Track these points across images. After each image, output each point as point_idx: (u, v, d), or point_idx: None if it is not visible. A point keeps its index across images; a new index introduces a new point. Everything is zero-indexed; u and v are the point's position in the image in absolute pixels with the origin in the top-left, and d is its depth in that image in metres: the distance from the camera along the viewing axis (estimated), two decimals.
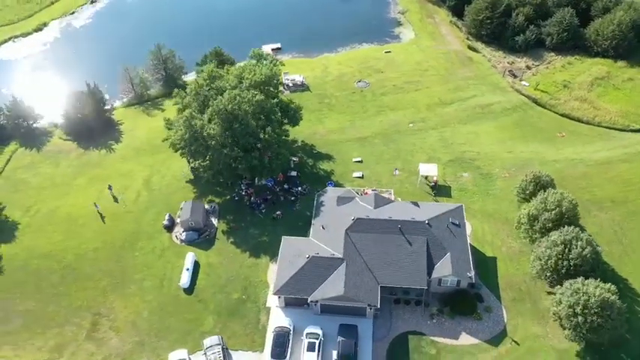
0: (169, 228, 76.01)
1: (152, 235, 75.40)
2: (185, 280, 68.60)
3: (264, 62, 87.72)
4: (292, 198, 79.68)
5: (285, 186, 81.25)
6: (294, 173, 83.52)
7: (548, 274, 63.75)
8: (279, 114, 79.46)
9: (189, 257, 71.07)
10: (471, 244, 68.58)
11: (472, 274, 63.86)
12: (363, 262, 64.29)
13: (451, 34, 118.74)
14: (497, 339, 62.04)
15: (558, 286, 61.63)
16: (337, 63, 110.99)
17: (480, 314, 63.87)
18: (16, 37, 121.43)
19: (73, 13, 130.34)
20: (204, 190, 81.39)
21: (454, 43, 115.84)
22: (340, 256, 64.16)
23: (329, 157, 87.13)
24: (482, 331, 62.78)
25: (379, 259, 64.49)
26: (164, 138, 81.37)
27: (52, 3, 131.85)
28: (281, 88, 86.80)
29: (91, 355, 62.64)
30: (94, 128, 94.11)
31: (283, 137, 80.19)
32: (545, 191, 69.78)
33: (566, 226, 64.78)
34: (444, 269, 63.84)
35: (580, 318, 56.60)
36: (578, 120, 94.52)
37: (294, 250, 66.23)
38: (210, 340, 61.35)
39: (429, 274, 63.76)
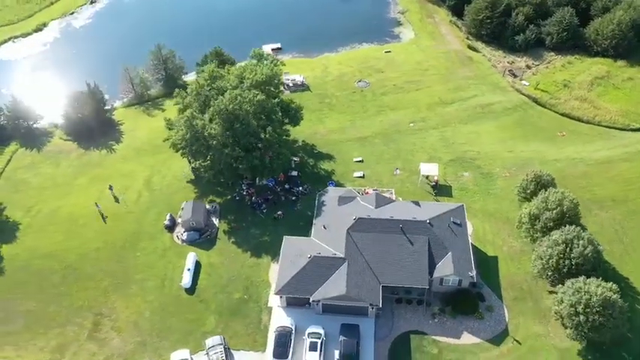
0: (170, 228, 76.02)
1: (153, 236, 75.41)
2: (186, 280, 68.63)
3: (265, 62, 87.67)
4: (293, 198, 79.73)
5: (286, 186, 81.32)
6: (294, 173, 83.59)
7: (549, 274, 63.85)
8: (280, 114, 79.47)
9: (191, 257, 71.09)
10: (472, 244, 68.65)
11: (474, 273, 63.96)
12: (365, 262, 64.36)
13: (451, 34, 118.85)
14: (498, 338, 62.14)
15: (560, 285, 61.72)
16: (337, 63, 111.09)
17: (482, 313, 63.96)
18: (15, 37, 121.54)
19: (72, 13, 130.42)
20: (205, 190, 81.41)
21: (454, 42, 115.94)
22: (342, 255, 64.21)
23: (330, 157, 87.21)
24: (483, 330, 62.87)
25: (381, 258, 64.57)
26: (165, 138, 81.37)
27: (52, 3, 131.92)
28: (281, 88, 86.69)
29: (92, 355, 62.65)
30: (94, 128, 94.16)
31: (284, 137, 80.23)
32: (546, 190, 69.83)
33: (567, 226, 64.83)
34: (445, 269, 63.91)
35: (582, 317, 56.74)
36: (579, 119, 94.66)
37: (296, 250, 66.26)
38: (212, 340, 61.41)
39: (431, 273, 63.86)
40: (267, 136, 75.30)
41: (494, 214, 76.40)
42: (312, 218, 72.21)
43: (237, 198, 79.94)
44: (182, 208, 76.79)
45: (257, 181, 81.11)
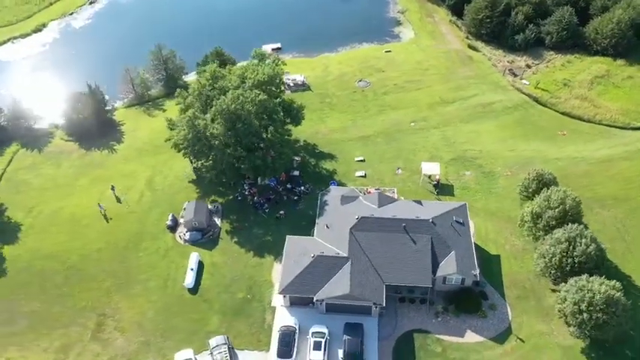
0: (173, 228, 75.99)
1: (156, 236, 75.39)
2: (189, 280, 68.63)
3: (267, 62, 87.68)
4: (295, 197, 79.81)
5: (288, 185, 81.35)
6: (296, 173, 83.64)
7: (552, 272, 64.00)
8: (282, 114, 79.50)
9: (193, 257, 71.10)
10: (474, 243, 68.74)
11: (477, 272, 64.10)
12: (368, 261, 64.45)
13: (451, 34, 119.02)
14: (502, 336, 62.28)
15: (563, 284, 61.86)
16: (338, 62, 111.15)
17: (485, 312, 64.10)
18: (15, 38, 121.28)
19: (72, 13, 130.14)
20: (207, 190, 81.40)
21: (454, 42, 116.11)
22: (345, 255, 64.30)
23: (331, 157, 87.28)
24: (487, 328, 63.01)
25: (384, 257, 64.67)
26: (167, 138, 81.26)
27: (51, 4, 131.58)
28: (283, 87, 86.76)
29: (96, 356, 62.60)
30: (95, 129, 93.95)
31: (286, 137, 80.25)
32: (548, 189, 69.98)
33: (569, 224, 65.02)
34: (448, 267, 64.03)
35: (585, 315, 56.87)
36: (579, 118, 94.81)
37: (299, 250, 66.32)
38: (215, 340, 61.36)
39: (434, 272, 63.97)
40: (268, 135, 75.38)
41: (496, 213, 76.57)
42: (315, 218, 72.24)
43: (239, 198, 79.97)
44: (184, 208, 76.81)
45: (259, 181, 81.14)
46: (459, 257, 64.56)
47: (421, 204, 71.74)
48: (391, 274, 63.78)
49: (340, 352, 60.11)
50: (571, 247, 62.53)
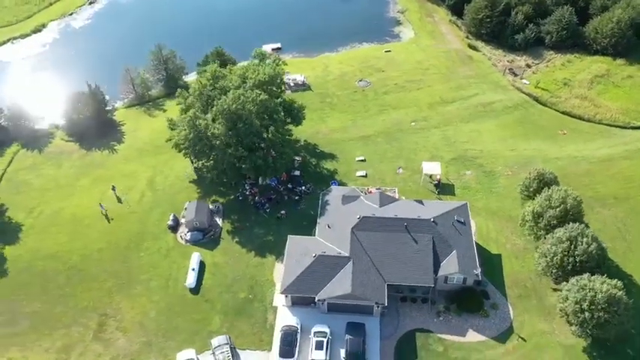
0: (174, 228, 75.95)
1: (157, 236, 75.36)
2: (191, 280, 68.61)
3: (268, 62, 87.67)
4: (296, 197, 79.81)
5: (289, 185, 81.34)
6: (297, 172, 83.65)
7: (553, 271, 64.02)
8: (283, 113, 79.51)
9: (195, 257, 71.08)
10: (475, 242, 68.77)
11: (479, 271, 64.16)
12: (370, 261, 64.49)
13: (451, 33, 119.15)
14: (504, 336, 62.36)
15: (564, 283, 61.93)
16: (338, 62, 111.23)
17: (487, 311, 64.18)
18: (14, 38, 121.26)
19: (71, 14, 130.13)
20: (208, 190, 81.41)
21: (454, 41, 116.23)
22: (347, 254, 64.32)
23: (332, 156, 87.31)
24: (489, 328, 63.08)
25: (385, 257, 64.71)
26: (167, 138, 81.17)
27: (51, 4, 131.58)
28: (283, 87, 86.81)
29: (98, 356, 62.56)
30: (95, 129, 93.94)
31: (287, 137, 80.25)
32: (549, 188, 70.06)
33: (571, 223, 65.08)
34: (450, 267, 64.09)
35: (587, 314, 56.95)
36: (579, 118, 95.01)
37: (301, 249, 66.34)
38: (218, 340, 61.38)
39: (436, 271, 64.01)
40: (269, 135, 75.42)
41: (497, 213, 76.64)
42: (316, 217, 72.27)
43: (240, 198, 79.98)
44: (185, 209, 76.75)
45: (260, 181, 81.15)
46: (461, 256, 64.64)
47: (422, 203, 71.80)
48: (393, 273, 63.83)
49: (342, 352, 60.15)
50: (572, 246, 62.57)
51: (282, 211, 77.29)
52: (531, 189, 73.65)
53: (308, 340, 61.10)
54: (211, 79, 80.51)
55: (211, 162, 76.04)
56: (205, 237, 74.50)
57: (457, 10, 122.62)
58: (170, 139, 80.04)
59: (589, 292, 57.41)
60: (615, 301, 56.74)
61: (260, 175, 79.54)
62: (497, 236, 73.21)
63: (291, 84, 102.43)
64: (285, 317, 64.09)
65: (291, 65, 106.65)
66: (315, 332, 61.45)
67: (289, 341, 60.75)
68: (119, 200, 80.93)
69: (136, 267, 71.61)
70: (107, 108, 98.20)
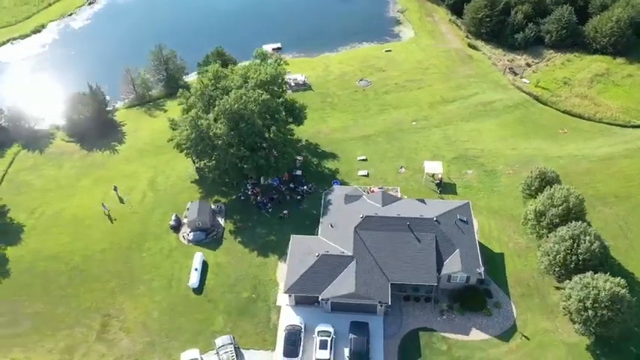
0: (176, 228, 75.87)
1: (159, 236, 75.29)
2: (194, 280, 68.56)
3: (269, 62, 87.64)
4: (298, 197, 79.78)
5: (291, 185, 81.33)
6: (299, 172, 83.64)
7: (556, 269, 64.15)
8: (284, 113, 79.52)
9: (198, 257, 71.03)
10: (478, 241, 68.82)
11: (482, 269, 64.22)
12: (373, 260, 64.53)
13: (451, 33, 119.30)
14: (507, 334, 62.46)
15: (567, 281, 62.00)
16: (338, 62, 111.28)
17: (490, 310, 64.27)
18: (14, 39, 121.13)
19: (71, 14, 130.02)
20: (210, 190, 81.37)
21: (454, 41, 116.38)
22: (350, 253, 64.38)
23: (333, 156, 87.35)
24: (492, 326, 63.17)
25: (389, 256, 64.76)
26: (169, 138, 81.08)
27: (50, 5, 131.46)
28: (285, 87, 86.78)
29: (102, 357, 62.50)
30: (96, 130, 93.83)
31: (288, 136, 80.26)
32: (551, 187, 70.18)
33: (573, 222, 65.21)
34: (453, 265, 64.18)
35: (590, 312, 57.04)
36: (580, 116, 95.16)
37: (304, 249, 66.34)
38: (221, 340, 61.40)
39: (439, 270, 64.09)
40: (271, 135, 75.41)
41: (498, 211, 76.75)
42: (318, 217, 72.32)
43: (243, 198, 79.95)
44: (187, 209, 76.66)
45: (262, 181, 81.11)
46: (464, 255, 64.72)
47: (425, 203, 71.93)
48: (396, 272, 63.89)
49: (346, 351, 60.17)
50: (575, 244, 62.72)
51: (285, 211, 77.28)
52: (533, 188, 73.83)
53: (312, 340, 61.12)
54: (213, 79, 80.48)
55: (213, 162, 75.99)
56: (208, 237, 74.46)
57: (457, 10, 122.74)
58: (172, 139, 79.98)
59: (592, 290, 57.49)
60: (618, 299, 56.87)
61: (262, 174, 79.54)
62: (500, 235, 73.33)
63: (292, 84, 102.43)
64: (289, 317, 64.09)
65: (291, 65, 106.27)
66: (318, 331, 61.44)
67: (293, 341, 60.75)
68: (121, 200, 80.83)
69: (139, 267, 71.53)
70: (108, 108, 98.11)
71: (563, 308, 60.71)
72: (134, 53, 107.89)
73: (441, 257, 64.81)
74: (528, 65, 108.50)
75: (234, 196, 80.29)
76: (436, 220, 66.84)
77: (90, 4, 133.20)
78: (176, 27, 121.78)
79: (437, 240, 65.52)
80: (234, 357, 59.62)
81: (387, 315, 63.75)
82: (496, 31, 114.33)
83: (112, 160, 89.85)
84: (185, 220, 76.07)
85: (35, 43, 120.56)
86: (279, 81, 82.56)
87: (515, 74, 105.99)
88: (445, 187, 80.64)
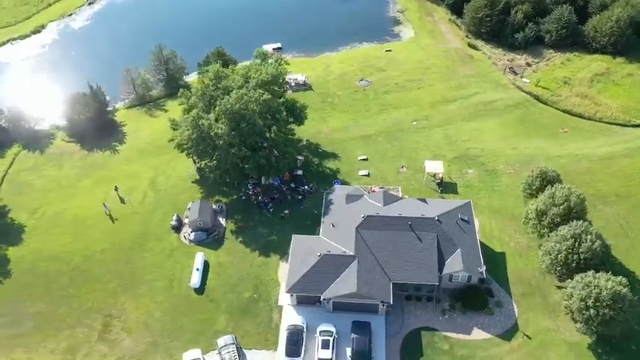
0: (177, 228, 75.88)
1: (160, 236, 75.29)
2: (195, 280, 68.58)
3: (270, 61, 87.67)
4: (299, 197, 79.80)
5: (292, 185, 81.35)
6: (300, 172, 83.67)
7: (557, 269, 64.31)
8: (285, 113, 79.54)
9: (199, 257, 71.05)
10: (479, 240, 68.89)
11: (483, 269, 64.25)
12: (375, 259, 64.58)
13: (451, 32, 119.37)
14: (509, 333, 62.55)
15: (569, 280, 62.13)
16: (338, 62, 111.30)
17: (492, 309, 64.35)
18: (14, 39, 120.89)
19: (71, 14, 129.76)
20: (211, 190, 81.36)
21: (454, 41, 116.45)
22: (351, 253, 64.43)
23: (334, 156, 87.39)
24: (494, 325, 63.25)
25: (390, 255, 64.82)
26: (170, 138, 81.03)
27: (50, 5, 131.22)
28: (286, 87, 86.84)
29: (104, 357, 62.51)
30: (96, 130, 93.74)
31: (289, 136, 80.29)
32: (552, 186, 70.26)
33: (574, 221, 65.30)
34: (454, 265, 64.25)
35: (592, 311, 57.16)
36: (580, 116, 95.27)
37: (305, 249, 66.38)
38: (223, 340, 61.38)
39: (440, 270, 64.16)
40: (272, 135, 75.43)
41: (499, 211, 76.83)
42: (320, 217, 72.31)
43: (244, 198, 79.96)
44: (189, 209, 76.64)
45: (263, 181, 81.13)
46: (465, 255, 64.79)
47: (426, 202, 72.01)
48: (398, 272, 63.94)
49: (348, 351, 60.21)
50: (576, 243, 62.85)
51: (286, 211, 77.31)
52: (534, 187, 73.89)
53: (314, 339, 61.14)
54: (214, 79, 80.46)
55: (214, 162, 76.04)
56: (209, 237, 74.49)
57: (457, 10, 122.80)
58: (172, 140, 79.94)
59: (594, 289, 57.63)
60: (620, 298, 57.01)
61: (263, 174, 79.56)
62: (501, 234, 73.42)
63: (292, 84, 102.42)
64: (291, 316, 64.12)
65: (291, 65, 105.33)
66: (320, 331, 61.47)
67: (295, 340, 60.80)
68: (122, 201, 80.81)
69: (140, 267, 71.52)
70: (108, 109, 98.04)
71: (565, 307, 60.85)
72: (134, 53, 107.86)
73: (442, 257, 64.90)
74: (528, 65, 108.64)
75: (235, 196, 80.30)
76: (437, 220, 66.91)
77: (90, 4, 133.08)
78: (176, 27, 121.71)
79: (438, 239, 65.59)
80: (237, 357, 59.59)
81: (388, 314, 63.79)
82: (496, 30, 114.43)
83: (113, 161, 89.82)
84: (186, 220, 76.07)
85: (35, 43, 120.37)
86: (280, 81, 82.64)
87: (516, 74, 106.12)
88: (446, 187, 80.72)
